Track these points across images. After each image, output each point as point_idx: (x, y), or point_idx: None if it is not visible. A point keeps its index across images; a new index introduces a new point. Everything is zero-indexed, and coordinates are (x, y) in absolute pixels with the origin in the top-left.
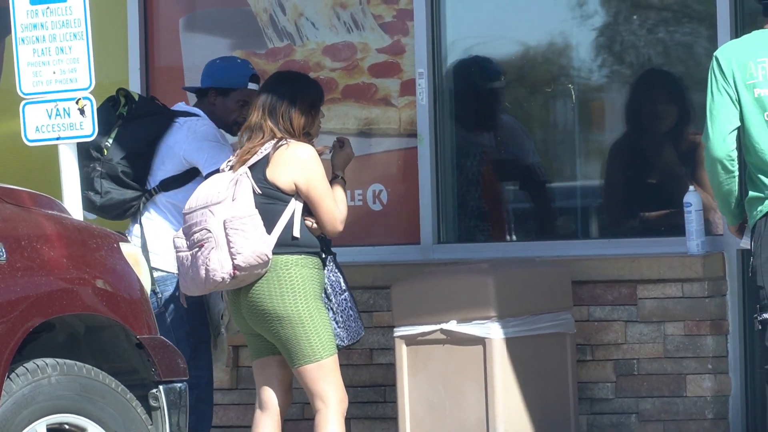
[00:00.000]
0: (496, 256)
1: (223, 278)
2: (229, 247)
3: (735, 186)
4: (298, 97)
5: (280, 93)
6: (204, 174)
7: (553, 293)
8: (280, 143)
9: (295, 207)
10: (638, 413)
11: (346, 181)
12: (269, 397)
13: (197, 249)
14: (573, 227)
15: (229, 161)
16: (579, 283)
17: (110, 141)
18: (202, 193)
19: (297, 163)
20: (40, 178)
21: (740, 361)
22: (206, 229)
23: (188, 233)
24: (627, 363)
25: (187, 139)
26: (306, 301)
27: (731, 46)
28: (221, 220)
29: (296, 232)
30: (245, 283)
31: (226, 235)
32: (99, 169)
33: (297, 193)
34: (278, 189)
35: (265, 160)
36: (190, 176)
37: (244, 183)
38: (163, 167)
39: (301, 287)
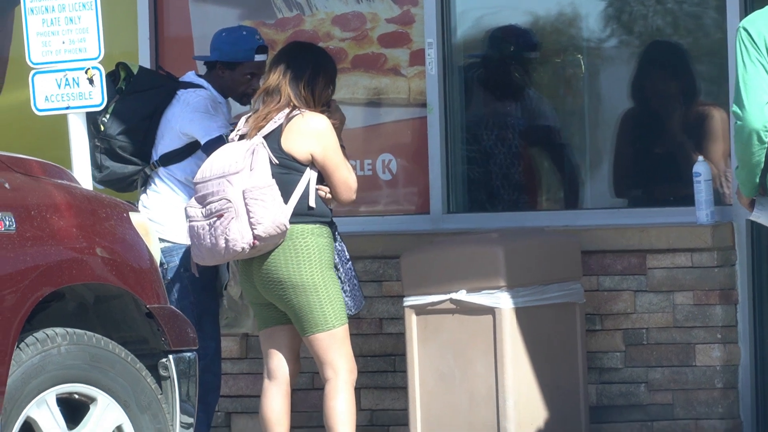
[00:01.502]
0: (505, 226)
1: (242, 248)
2: (249, 217)
3: (763, 157)
4: (322, 68)
5: (303, 62)
6: (202, 144)
7: (563, 263)
8: (293, 113)
9: (310, 177)
10: (647, 383)
11: (345, 147)
12: (278, 366)
13: (215, 219)
14: (582, 197)
15: (237, 130)
16: (588, 252)
17: (107, 117)
18: (216, 162)
19: (313, 134)
20: (49, 147)
21: (749, 331)
22: (226, 199)
23: (203, 202)
24: (636, 332)
25: (181, 112)
26: (321, 270)
27: (758, 16)
28: (240, 190)
29: (312, 202)
30: (261, 253)
31: (246, 205)
32: (98, 144)
33: (312, 163)
34: (294, 159)
35: (279, 130)
36: (190, 150)
37: (261, 153)
38: (163, 141)
39: (317, 256)
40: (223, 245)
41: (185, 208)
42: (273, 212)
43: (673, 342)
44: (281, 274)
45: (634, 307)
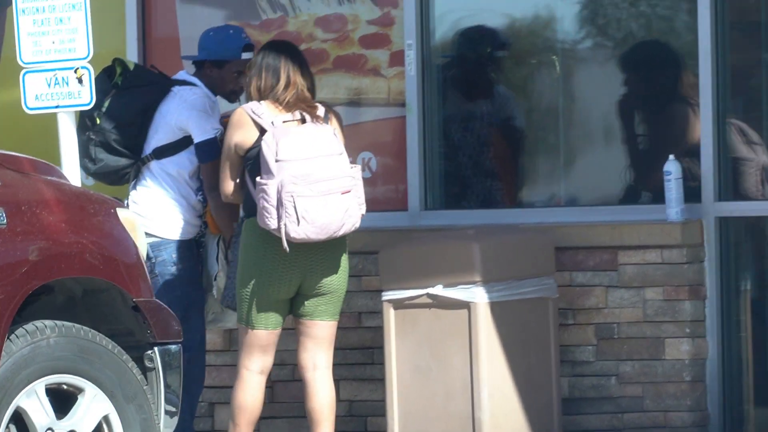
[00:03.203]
0: (481, 223)
1: (354, 225)
2: (357, 197)
3: None
4: (307, 66)
5: (301, 59)
6: (195, 142)
7: (537, 259)
8: (323, 107)
9: None
10: (618, 375)
11: None
12: (268, 362)
13: (337, 195)
14: (556, 195)
15: (284, 114)
16: (561, 249)
17: (103, 110)
18: (305, 142)
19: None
20: (39, 145)
21: (717, 326)
22: (350, 177)
23: (309, 180)
24: (608, 327)
25: (178, 107)
26: None
27: None
28: (350, 169)
29: None
30: (334, 237)
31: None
32: (93, 137)
33: None
34: None
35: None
36: (183, 144)
37: (338, 138)
38: (157, 136)
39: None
40: (340, 221)
41: (288, 185)
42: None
43: (644, 336)
44: (343, 258)
45: (605, 302)
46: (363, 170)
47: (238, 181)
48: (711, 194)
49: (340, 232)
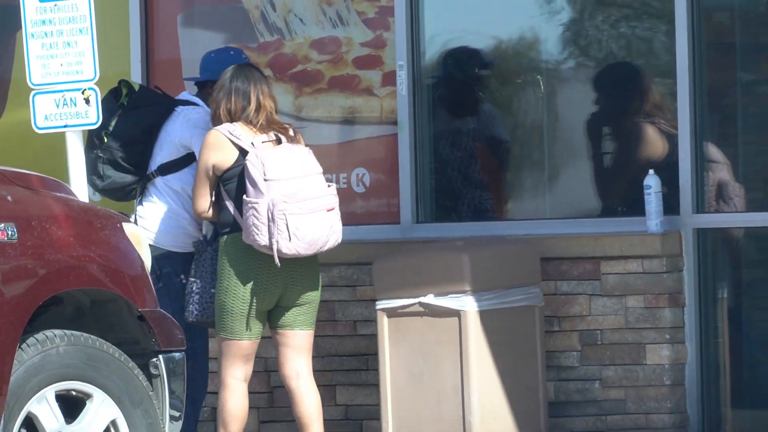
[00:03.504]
0: (470, 235)
1: (337, 241)
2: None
3: None
4: (272, 90)
5: (268, 83)
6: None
7: (523, 269)
8: (291, 126)
9: None
10: (601, 380)
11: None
12: (249, 370)
13: (323, 213)
14: (541, 208)
15: (261, 136)
16: (547, 259)
17: (110, 129)
18: (292, 161)
19: None
20: (48, 162)
21: (695, 332)
22: (333, 195)
23: (296, 198)
24: (591, 333)
25: (182, 126)
26: None
27: None
28: (329, 188)
29: None
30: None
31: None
32: (101, 155)
33: None
34: None
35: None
36: (187, 161)
37: (314, 157)
38: (161, 153)
39: None
40: (326, 238)
41: (279, 203)
42: None
43: (625, 342)
44: (318, 273)
45: (589, 309)
46: (357, 185)
47: (212, 200)
48: (689, 207)
49: (326, 247)
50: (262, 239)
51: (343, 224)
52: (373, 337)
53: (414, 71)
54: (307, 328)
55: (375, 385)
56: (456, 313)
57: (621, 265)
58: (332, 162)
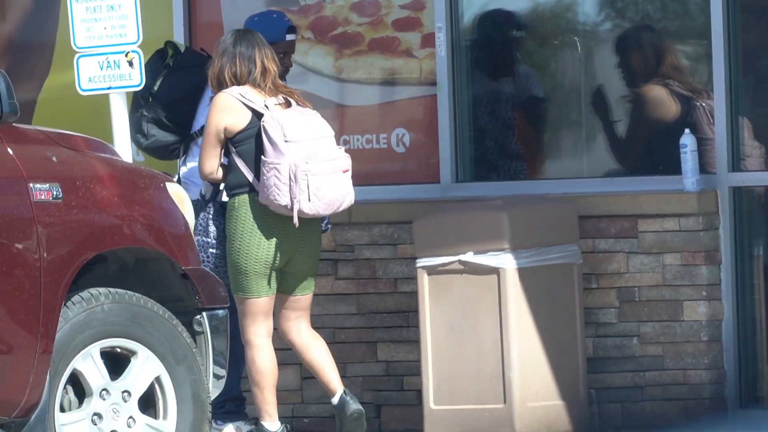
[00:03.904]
0: (509, 194)
1: (351, 201)
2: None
3: None
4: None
5: (269, 48)
6: None
7: (561, 227)
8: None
9: None
10: (639, 336)
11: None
12: (270, 326)
13: (338, 174)
14: (579, 167)
15: (272, 98)
16: (585, 217)
17: (155, 89)
18: (306, 124)
19: None
20: (92, 123)
21: (732, 289)
22: (347, 157)
23: (318, 159)
24: (629, 290)
25: None
26: None
27: None
28: (342, 150)
29: None
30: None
31: None
32: (146, 114)
33: None
34: None
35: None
36: None
37: (324, 120)
38: (204, 113)
39: None
40: (343, 198)
41: (299, 164)
42: None
43: (663, 299)
44: (320, 241)
45: (626, 267)
46: (397, 145)
47: (219, 161)
48: (725, 166)
49: (341, 208)
50: (283, 199)
51: (384, 184)
52: (414, 295)
53: (452, 33)
54: (309, 292)
55: (415, 342)
56: (495, 271)
57: (658, 223)
58: (372, 122)
